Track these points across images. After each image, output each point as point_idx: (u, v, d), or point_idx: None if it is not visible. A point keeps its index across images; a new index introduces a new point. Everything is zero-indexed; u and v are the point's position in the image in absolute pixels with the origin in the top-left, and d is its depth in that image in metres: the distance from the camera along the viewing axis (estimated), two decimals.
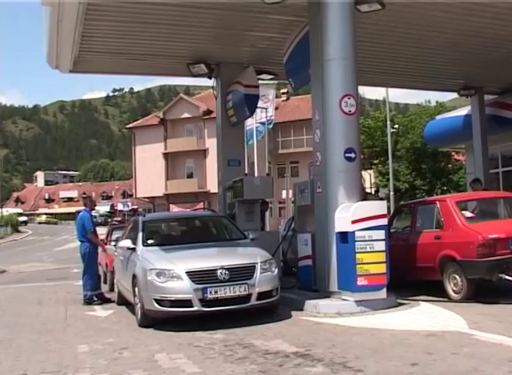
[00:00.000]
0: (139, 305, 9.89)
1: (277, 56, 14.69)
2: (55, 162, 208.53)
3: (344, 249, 10.28)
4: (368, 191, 44.40)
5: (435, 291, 11.18)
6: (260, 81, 16.58)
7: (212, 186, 49.07)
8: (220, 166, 16.29)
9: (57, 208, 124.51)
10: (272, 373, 6.53)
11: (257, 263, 9.66)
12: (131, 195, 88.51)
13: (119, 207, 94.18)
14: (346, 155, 10.76)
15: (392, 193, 43.25)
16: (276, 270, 9.97)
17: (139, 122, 75.08)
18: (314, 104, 11.58)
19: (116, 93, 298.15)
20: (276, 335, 8.53)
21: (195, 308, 9.21)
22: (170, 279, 9.37)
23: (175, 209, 57.96)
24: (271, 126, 40.80)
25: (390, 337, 8.08)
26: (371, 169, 59.19)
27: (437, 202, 11.90)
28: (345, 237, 10.25)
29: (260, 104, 22.75)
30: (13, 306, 13.82)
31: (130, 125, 77.17)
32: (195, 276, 9.30)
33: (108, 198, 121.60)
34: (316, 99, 11.45)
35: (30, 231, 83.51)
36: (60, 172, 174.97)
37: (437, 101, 64.74)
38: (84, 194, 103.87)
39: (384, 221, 10.34)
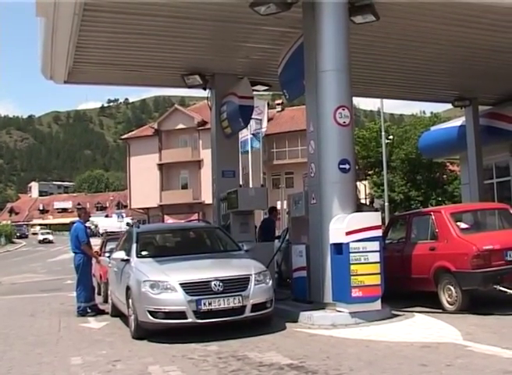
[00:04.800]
0: (133, 316, 9.84)
1: (271, 67, 14.72)
2: (50, 173, 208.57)
3: (338, 260, 10.27)
4: (362, 201, 44.47)
5: (430, 302, 11.16)
6: (254, 92, 16.61)
7: (207, 197, 49.04)
8: (215, 177, 16.28)
9: (51, 219, 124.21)
10: None
11: (251, 275, 9.64)
12: (126, 206, 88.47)
13: (114, 218, 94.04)
14: (341, 166, 10.76)
15: (386, 204, 43.27)
16: (270, 282, 9.94)
17: (134, 133, 75.08)
18: (308, 115, 11.60)
19: (111, 104, 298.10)
20: (270, 347, 8.49)
21: (189, 320, 9.18)
22: (164, 290, 9.34)
23: (169, 220, 57.87)
24: (260, 139, 40.89)
25: (385, 348, 8.06)
26: (365, 179, 59.29)
27: (432, 213, 11.90)
28: (339, 249, 10.23)
29: (254, 115, 22.77)
30: (6, 318, 13.73)
31: (125, 136, 77.17)
32: (189, 287, 9.27)
33: (103, 208, 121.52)
34: (310, 110, 11.47)
35: (24, 242, 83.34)
36: (54, 183, 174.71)
37: (432, 112, 65.00)
38: (79, 205, 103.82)
39: (378, 232, 10.35)
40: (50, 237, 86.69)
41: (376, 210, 19.75)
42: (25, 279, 28.44)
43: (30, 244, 77.50)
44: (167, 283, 9.37)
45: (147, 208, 67.75)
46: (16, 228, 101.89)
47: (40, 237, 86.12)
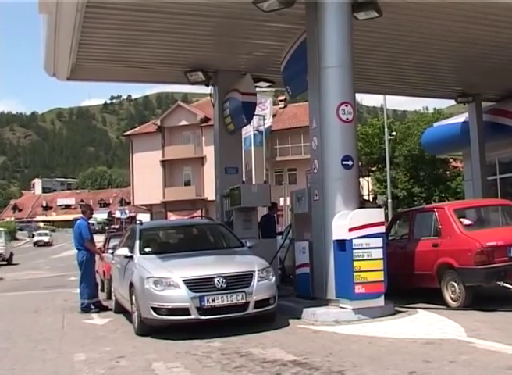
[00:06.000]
0: (136, 313, 9.85)
1: (274, 64, 14.72)
2: (53, 170, 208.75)
3: (342, 257, 10.27)
4: (365, 198, 44.48)
5: (433, 298, 11.15)
6: (257, 89, 16.60)
7: (210, 193, 48.94)
8: (217, 174, 16.29)
9: (54, 216, 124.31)
10: None
11: (254, 271, 9.64)
12: (129, 203, 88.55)
13: (117, 214, 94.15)
14: (344, 162, 10.76)
15: (389, 200, 43.31)
16: (274, 278, 9.95)
17: (136, 129, 75.02)
18: (311, 111, 11.59)
19: (114, 100, 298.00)
20: (274, 343, 8.50)
21: (192, 317, 9.18)
22: (167, 287, 9.34)
23: (172, 217, 57.91)
24: (267, 134, 40.85)
25: (388, 345, 8.05)
26: (368, 176, 59.30)
27: (435, 210, 11.88)
28: (342, 245, 10.23)
29: (257, 111, 22.77)
30: (9, 314, 13.76)
31: (128, 132, 77.06)
32: (192, 284, 9.28)
33: (106, 205, 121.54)
34: (313, 107, 11.45)
35: (28, 239, 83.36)
36: (58, 179, 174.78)
37: (435, 108, 64.97)
38: (82, 201, 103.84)
39: (381, 229, 10.33)
40: (46, 238, 72.39)
41: (379, 206, 19.76)
42: (28, 275, 28.50)
43: (32, 241, 77.47)
44: (170, 280, 9.37)
45: (150, 205, 67.77)
46: (32, 227, 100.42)
47: (35, 239, 71.96)
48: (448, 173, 56.14)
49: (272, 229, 16.38)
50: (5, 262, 38.71)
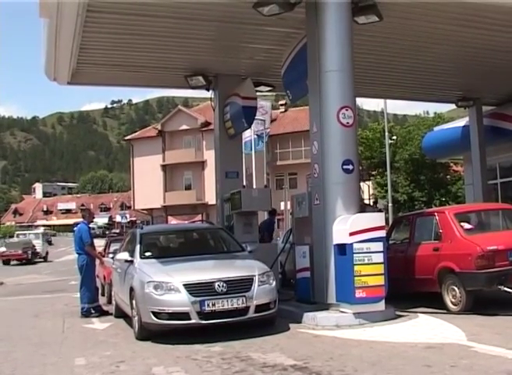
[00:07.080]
0: (136, 317, 9.84)
1: (275, 68, 14.72)
2: (54, 174, 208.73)
3: (342, 261, 10.25)
4: (366, 202, 44.42)
5: (434, 303, 11.14)
6: (257, 93, 16.60)
7: (210, 198, 49.01)
8: (218, 178, 16.29)
9: (55, 220, 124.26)
10: None
11: (254, 276, 9.63)
12: (129, 207, 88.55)
13: (118, 219, 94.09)
14: (344, 166, 10.75)
15: (390, 204, 43.21)
16: (274, 283, 9.94)
17: (137, 134, 75.05)
18: (311, 116, 11.59)
19: (115, 105, 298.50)
20: (274, 348, 8.49)
21: (193, 321, 9.17)
22: (168, 291, 9.33)
23: (173, 221, 57.90)
24: (266, 138, 40.86)
25: (389, 349, 8.04)
26: (369, 180, 59.28)
27: (435, 214, 11.88)
28: (343, 249, 10.22)
29: (258, 115, 22.78)
30: (10, 319, 13.76)
31: (129, 137, 77.10)
32: (193, 288, 9.27)
33: (107, 209, 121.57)
34: (314, 111, 11.45)
35: None
36: (58, 183, 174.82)
37: (435, 112, 65.03)
38: (83, 206, 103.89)
39: (382, 233, 10.32)
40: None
41: (380, 211, 19.73)
42: (29, 280, 28.49)
43: None
44: (170, 284, 9.36)
45: (151, 209, 67.80)
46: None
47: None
48: (448, 177, 56.14)
49: (269, 234, 16.48)
50: (41, 259, 48.12)
